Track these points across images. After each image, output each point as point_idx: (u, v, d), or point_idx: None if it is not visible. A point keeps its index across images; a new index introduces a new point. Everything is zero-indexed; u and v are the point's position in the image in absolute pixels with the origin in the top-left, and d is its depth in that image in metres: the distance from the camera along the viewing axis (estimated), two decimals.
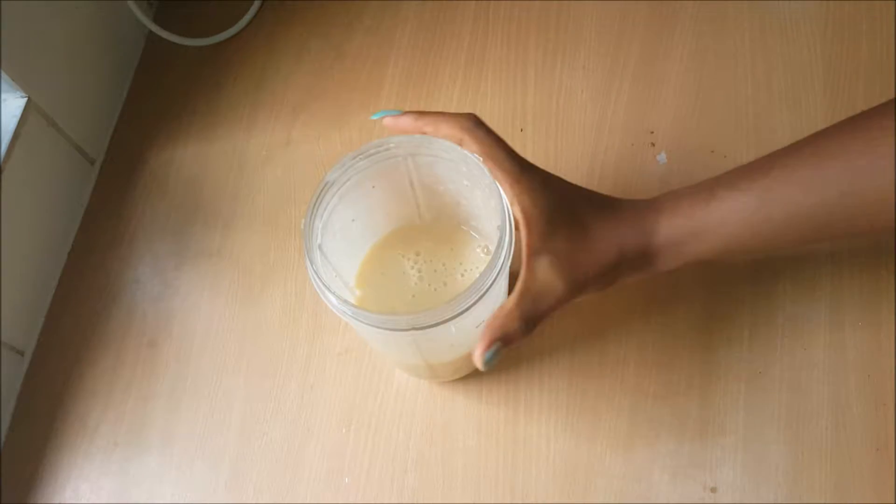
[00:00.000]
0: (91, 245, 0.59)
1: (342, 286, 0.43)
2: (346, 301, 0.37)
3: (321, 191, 0.39)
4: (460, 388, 0.48)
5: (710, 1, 0.56)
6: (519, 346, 0.39)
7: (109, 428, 0.52)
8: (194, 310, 0.54)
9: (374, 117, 0.41)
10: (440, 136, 0.40)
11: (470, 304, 0.36)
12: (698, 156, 0.51)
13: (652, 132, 0.53)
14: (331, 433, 0.49)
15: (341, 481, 0.47)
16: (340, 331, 0.51)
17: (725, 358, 0.46)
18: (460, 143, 0.40)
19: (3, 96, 0.54)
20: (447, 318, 0.36)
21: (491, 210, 0.40)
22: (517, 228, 0.39)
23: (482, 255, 0.45)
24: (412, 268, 0.45)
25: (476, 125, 0.40)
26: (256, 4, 0.65)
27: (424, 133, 0.41)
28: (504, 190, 0.38)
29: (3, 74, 0.52)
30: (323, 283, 0.37)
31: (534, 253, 0.38)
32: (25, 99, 0.54)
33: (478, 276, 0.36)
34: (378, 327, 0.37)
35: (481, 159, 0.39)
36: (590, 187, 0.42)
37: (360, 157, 0.40)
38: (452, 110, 0.57)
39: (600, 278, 0.40)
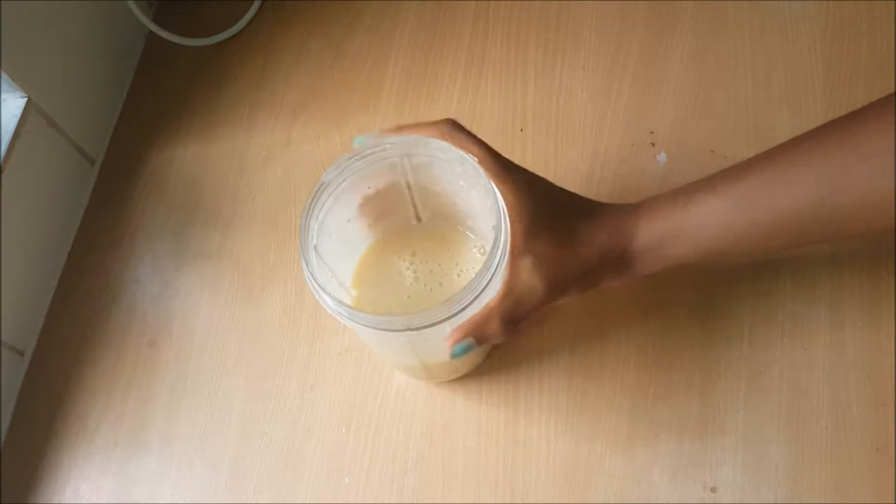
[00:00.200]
0: (91, 245, 0.59)
1: (338, 287, 0.43)
2: (341, 302, 0.37)
3: (317, 191, 0.39)
4: (460, 389, 0.48)
5: (710, 1, 0.56)
6: (493, 344, 0.39)
7: (109, 428, 0.52)
8: (194, 310, 0.54)
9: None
10: None
11: (465, 304, 0.36)
12: (698, 156, 0.51)
13: (652, 132, 0.53)
14: (331, 433, 0.49)
15: (341, 481, 0.47)
16: (340, 331, 0.51)
17: (725, 358, 0.46)
18: None
19: (3, 96, 0.54)
20: (442, 318, 0.36)
21: (486, 210, 0.40)
22: None
23: (478, 255, 0.45)
24: (408, 268, 0.45)
25: (455, 128, 0.40)
26: (256, 4, 0.65)
27: None
28: None
29: (3, 74, 0.52)
30: (318, 284, 0.37)
31: (517, 253, 0.38)
32: (25, 99, 0.54)
33: (473, 276, 0.36)
34: (373, 328, 0.37)
35: (476, 159, 0.39)
36: (589, 187, 0.42)
37: (356, 157, 0.40)
38: (452, 110, 0.57)
39: (581, 281, 0.41)
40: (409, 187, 0.44)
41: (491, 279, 0.37)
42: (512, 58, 0.58)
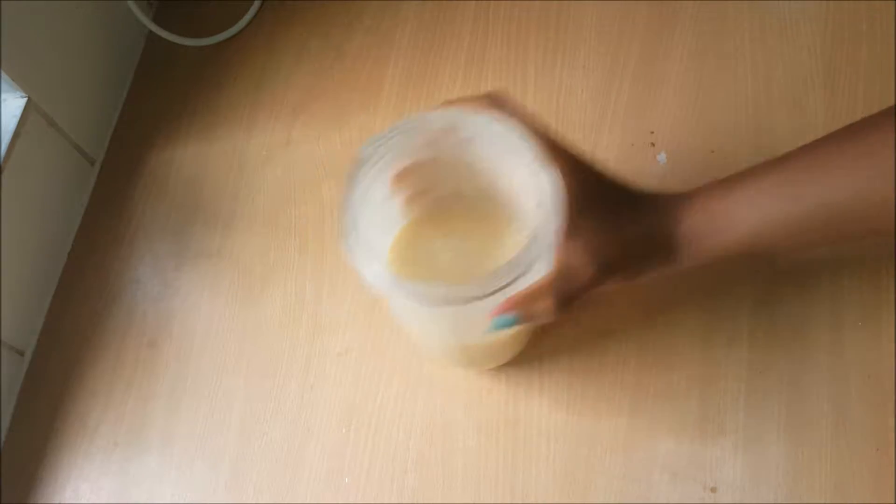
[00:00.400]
0: (91, 245, 0.59)
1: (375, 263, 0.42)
2: (384, 273, 0.35)
3: (356, 167, 0.37)
4: (460, 389, 0.48)
5: (710, 1, 0.56)
6: (538, 324, 0.37)
7: (109, 428, 0.52)
8: (194, 310, 0.54)
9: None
10: None
11: (512, 278, 0.34)
12: (698, 156, 0.51)
13: (652, 132, 0.53)
14: (331, 433, 0.49)
15: (341, 481, 0.47)
16: (340, 331, 0.51)
17: (725, 358, 0.46)
18: None
19: (3, 96, 0.54)
20: (487, 293, 0.34)
21: (531, 188, 0.37)
22: None
23: (520, 235, 0.43)
24: (446, 246, 0.44)
25: (502, 102, 0.38)
26: (256, 4, 0.65)
27: None
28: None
29: (3, 74, 0.52)
30: (362, 255, 0.35)
31: (567, 233, 0.37)
32: (25, 99, 0.54)
33: (515, 255, 0.34)
34: (416, 299, 0.35)
35: (524, 134, 0.36)
36: None
37: (397, 132, 0.38)
38: None
39: (628, 266, 0.40)
40: (449, 164, 0.41)
41: (538, 256, 0.35)
42: (512, 58, 0.58)
